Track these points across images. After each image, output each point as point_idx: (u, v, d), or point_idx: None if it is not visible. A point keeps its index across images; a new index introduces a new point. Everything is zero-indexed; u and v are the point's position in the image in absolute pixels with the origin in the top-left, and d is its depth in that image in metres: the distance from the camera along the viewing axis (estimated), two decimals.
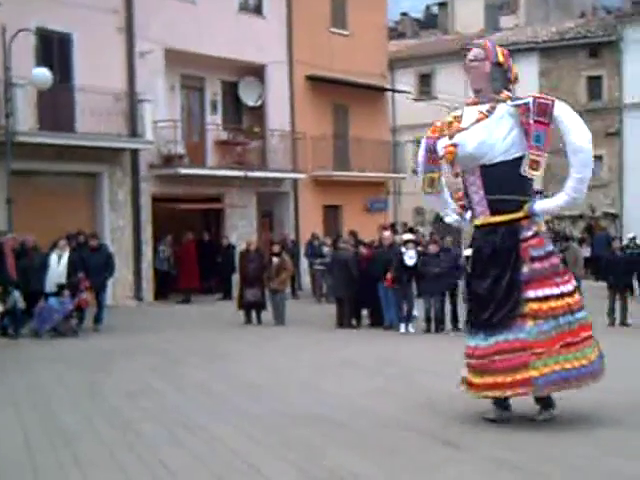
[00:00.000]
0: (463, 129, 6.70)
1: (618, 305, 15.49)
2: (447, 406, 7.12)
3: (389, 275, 14.05)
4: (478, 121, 6.63)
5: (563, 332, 6.45)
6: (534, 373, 6.34)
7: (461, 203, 7.14)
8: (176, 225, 20.67)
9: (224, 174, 21.73)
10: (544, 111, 6.48)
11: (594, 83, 32.15)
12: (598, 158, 31.52)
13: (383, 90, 27.78)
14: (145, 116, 19.19)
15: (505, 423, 6.58)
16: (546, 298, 6.48)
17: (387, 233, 15.72)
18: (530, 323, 6.45)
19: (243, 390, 8.73)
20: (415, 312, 14.56)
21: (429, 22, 46.70)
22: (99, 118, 17.80)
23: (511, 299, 6.51)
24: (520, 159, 6.59)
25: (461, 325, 13.98)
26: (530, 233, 6.62)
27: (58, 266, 13.84)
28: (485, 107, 6.67)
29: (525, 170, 6.56)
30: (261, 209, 23.48)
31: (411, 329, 14.15)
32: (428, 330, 14.07)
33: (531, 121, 6.47)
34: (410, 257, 14.12)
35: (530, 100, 6.54)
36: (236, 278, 17.88)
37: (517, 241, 6.58)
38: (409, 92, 32.18)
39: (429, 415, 7.06)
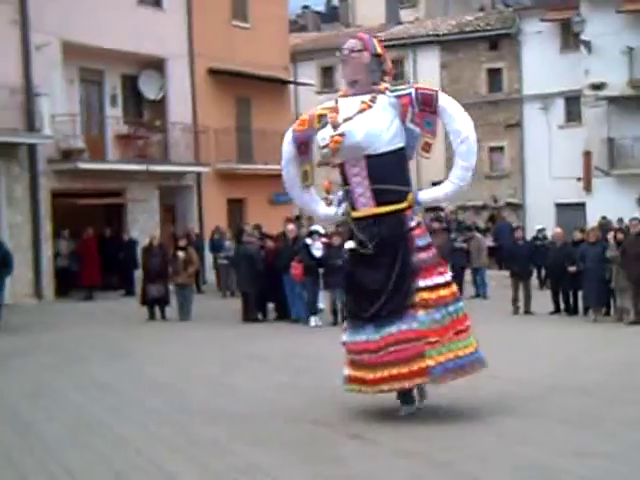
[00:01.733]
0: (348, 119, 6.59)
1: (521, 294, 15.71)
2: (353, 399, 7.12)
3: (298, 267, 14.03)
4: (362, 111, 6.58)
5: (453, 320, 6.54)
6: (430, 362, 6.36)
7: (328, 196, 7.08)
8: (77, 220, 20.26)
9: (125, 168, 21.40)
10: (429, 102, 6.58)
11: (494, 75, 32.76)
12: (499, 149, 32.50)
13: (285, 82, 27.89)
14: (42, 110, 18.74)
15: (413, 415, 6.63)
16: (436, 287, 6.53)
17: (291, 226, 15.82)
18: (422, 312, 6.46)
19: (148, 388, 8.71)
20: (321, 305, 14.70)
21: (330, 15, 47.03)
22: None
23: (403, 289, 6.49)
24: (402, 150, 6.69)
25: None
26: (414, 223, 6.64)
27: None
28: (367, 97, 6.64)
29: (419, 152, 6.75)
30: (164, 203, 23.24)
31: (319, 322, 14.24)
32: (335, 323, 14.02)
33: (417, 110, 6.56)
34: (317, 248, 14.24)
35: (412, 91, 6.63)
36: (138, 273, 17.69)
37: (404, 231, 6.58)
38: (311, 84, 32.38)
39: (335, 409, 7.11)
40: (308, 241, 14.43)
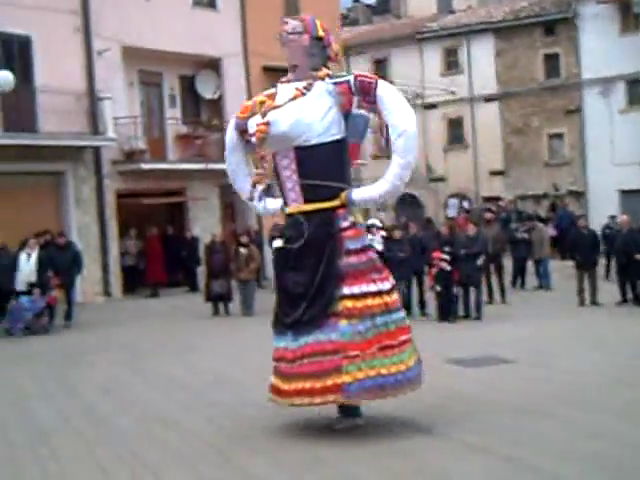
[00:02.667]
0: (277, 107, 6.06)
1: (587, 284, 15.22)
2: (416, 392, 6.78)
3: None
4: (294, 99, 6.03)
5: (380, 334, 5.84)
6: (347, 379, 5.73)
7: (252, 190, 6.50)
8: (141, 220, 20.83)
9: (185, 167, 21.90)
10: (367, 90, 5.98)
11: (551, 61, 32.10)
12: (559, 136, 31.97)
13: None
14: (105, 113, 19.32)
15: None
16: (363, 295, 5.86)
17: None
18: (344, 322, 5.80)
19: (215, 382, 8.90)
20: None
21: (381, 7, 46.91)
22: (61, 117, 17.93)
23: (325, 295, 5.87)
24: (340, 142, 6.06)
25: (429, 310, 14.33)
26: (346, 224, 5.99)
27: (28, 265, 14.02)
28: (302, 84, 6.08)
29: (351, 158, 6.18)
30: (223, 201, 23.65)
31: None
32: None
33: (356, 100, 6.03)
34: (377, 242, 14.30)
35: (351, 78, 6.04)
36: (201, 270, 18.09)
37: (333, 232, 5.95)
38: None
39: (403, 402, 6.67)
40: (370, 236, 14.36)
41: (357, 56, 34.79)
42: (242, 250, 15.89)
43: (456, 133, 34.20)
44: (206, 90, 23.36)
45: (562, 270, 19.31)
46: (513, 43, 32.93)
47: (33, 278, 13.97)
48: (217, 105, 23.56)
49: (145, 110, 22.16)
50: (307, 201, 6.02)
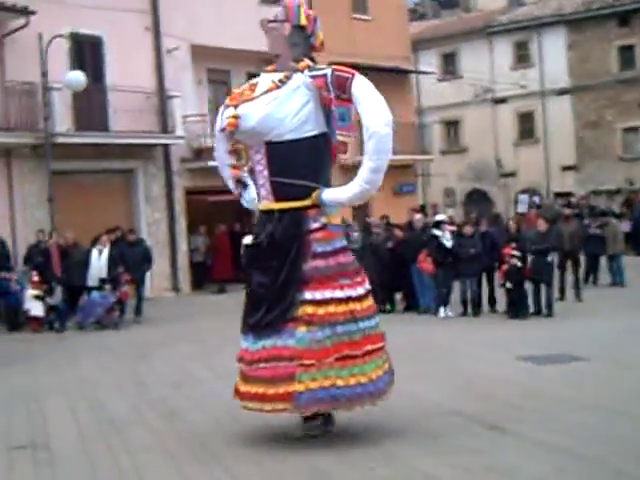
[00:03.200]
0: (251, 99, 5.71)
1: None
2: (487, 390, 6.97)
3: (427, 261, 14.02)
4: (268, 91, 5.67)
5: (341, 343, 5.51)
6: (299, 387, 5.44)
7: (236, 184, 6.28)
8: (209, 217, 21.07)
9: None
10: (342, 86, 5.51)
11: (626, 52, 31.53)
12: (634, 130, 31.20)
13: (406, 72, 27.83)
14: (175, 112, 19.63)
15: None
16: (325, 302, 5.53)
17: (418, 216, 15.86)
18: (302, 329, 5.52)
19: None
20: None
21: (450, 2, 46.44)
22: (131, 116, 18.22)
23: (285, 299, 5.58)
24: (316, 138, 5.66)
25: (499, 307, 14.14)
26: (317, 225, 5.66)
27: (99, 261, 14.30)
28: (279, 76, 5.69)
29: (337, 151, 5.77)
30: None
31: (450, 313, 14.08)
32: (464, 313, 14.01)
33: (332, 96, 5.55)
34: (447, 239, 14.11)
35: (328, 72, 5.57)
36: None
37: (300, 233, 5.63)
38: (433, 73, 32.18)
39: (470, 399, 7.01)
40: (437, 232, 14.24)
41: (425, 50, 34.53)
42: None
43: (527, 127, 33.71)
44: None
45: (636, 266, 18.83)
46: (586, 35, 32.28)
47: (104, 274, 14.24)
48: None
49: (213, 108, 22.32)
50: (277, 199, 5.70)
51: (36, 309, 14.04)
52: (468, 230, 14.27)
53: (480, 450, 5.54)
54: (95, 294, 14.19)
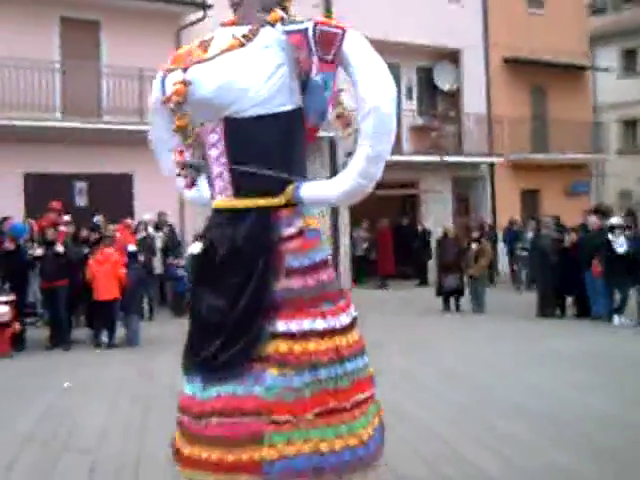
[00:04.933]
0: (204, 60, 4.05)
1: None
2: None
3: (598, 266, 13.40)
4: (228, 50, 3.99)
5: (325, 392, 3.81)
6: (269, 453, 3.72)
7: (183, 171, 4.34)
8: (373, 211, 20.98)
9: (420, 159, 21.82)
10: (329, 44, 3.82)
11: None
12: None
13: (582, 69, 26.76)
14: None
15: None
16: (303, 335, 3.84)
17: (593, 218, 15.12)
18: (273, 372, 3.80)
19: (445, 378, 8.78)
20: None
21: None
22: None
23: (250, 331, 3.89)
24: (290, 115, 3.95)
25: None
26: (292, 230, 3.96)
27: None
28: (242, 30, 4.01)
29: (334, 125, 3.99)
30: (456, 194, 23.37)
31: (625, 321, 13.29)
32: None
33: (314, 59, 3.85)
34: (620, 245, 13.45)
35: (310, 26, 3.85)
36: (432, 264, 17.90)
37: (269, 241, 3.94)
38: (610, 70, 30.76)
39: None
40: (610, 236, 13.61)
41: (603, 46, 33.06)
42: (473, 245, 15.56)
43: None
44: (444, 82, 23.19)
45: None
46: None
47: None
48: (454, 97, 23.33)
49: None
50: (239, 194, 4.04)
51: None
52: None
53: None
54: None
